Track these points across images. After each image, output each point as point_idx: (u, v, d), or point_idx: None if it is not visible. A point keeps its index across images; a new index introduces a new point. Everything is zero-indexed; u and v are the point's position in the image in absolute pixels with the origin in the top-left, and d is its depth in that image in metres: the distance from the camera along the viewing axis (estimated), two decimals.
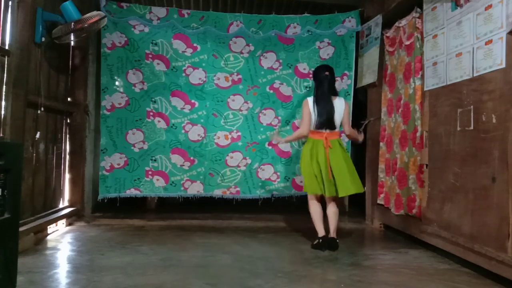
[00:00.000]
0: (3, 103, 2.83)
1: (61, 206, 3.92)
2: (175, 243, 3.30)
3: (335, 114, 3.19)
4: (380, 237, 3.84)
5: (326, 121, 3.17)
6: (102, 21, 3.46)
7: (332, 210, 3.23)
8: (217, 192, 4.38)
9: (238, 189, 4.39)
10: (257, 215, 4.46)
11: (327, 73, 3.27)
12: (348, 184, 3.11)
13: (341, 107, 3.23)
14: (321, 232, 3.20)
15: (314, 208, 3.26)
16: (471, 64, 2.71)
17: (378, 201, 4.11)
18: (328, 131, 3.19)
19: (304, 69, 4.48)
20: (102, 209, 4.50)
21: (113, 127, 4.18)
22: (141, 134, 4.25)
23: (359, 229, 4.14)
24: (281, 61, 4.42)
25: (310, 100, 3.26)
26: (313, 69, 4.46)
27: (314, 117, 3.19)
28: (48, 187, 3.61)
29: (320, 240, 3.16)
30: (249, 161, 4.39)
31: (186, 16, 4.31)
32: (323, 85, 3.24)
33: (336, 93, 3.33)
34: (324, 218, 3.26)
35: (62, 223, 3.81)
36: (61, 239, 3.37)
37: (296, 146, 4.48)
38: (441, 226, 2.99)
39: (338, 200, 3.31)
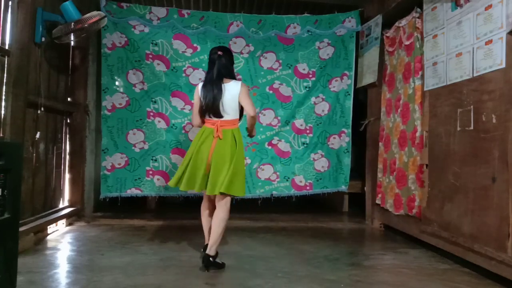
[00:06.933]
0: (3, 103, 2.83)
1: (61, 206, 3.92)
2: (175, 243, 3.30)
3: (222, 99, 2.69)
4: (380, 237, 3.84)
5: (209, 107, 2.70)
6: (102, 21, 3.46)
7: (215, 214, 2.69)
8: None
9: None
10: (257, 215, 4.46)
11: (220, 52, 2.76)
12: (217, 183, 2.60)
13: (235, 91, 2.70)
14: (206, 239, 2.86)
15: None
16: (471, 64, 2.71)
17: (377, 201, 4.11)
18: (215, 119, 2.72)
19: (304, 69, 4.47)
20: (102, 209, 4.51)
21: (114, 127, 4.18)
22: (142, 134, 4.25)
23: (359, 229, 4.14)
24: (280, 61, 4.42)
25: (199, 85, 2.81)
26: (313, 69, 4.50)
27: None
28: (48, 187, 3.61)
29: (202, 250, 2.84)
30: (248, 161, 4.38)
31: (186, 16, 4.31)
32: (213, 66, 2.75)
33: (230, 76, 2.78)
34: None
35: (62, 223, 3.81)
36: (61, 239, 3.37)
37: (296, 146, 4.48)
38: (441, 226, 2.99)
39: (223, 203, 2.67)
